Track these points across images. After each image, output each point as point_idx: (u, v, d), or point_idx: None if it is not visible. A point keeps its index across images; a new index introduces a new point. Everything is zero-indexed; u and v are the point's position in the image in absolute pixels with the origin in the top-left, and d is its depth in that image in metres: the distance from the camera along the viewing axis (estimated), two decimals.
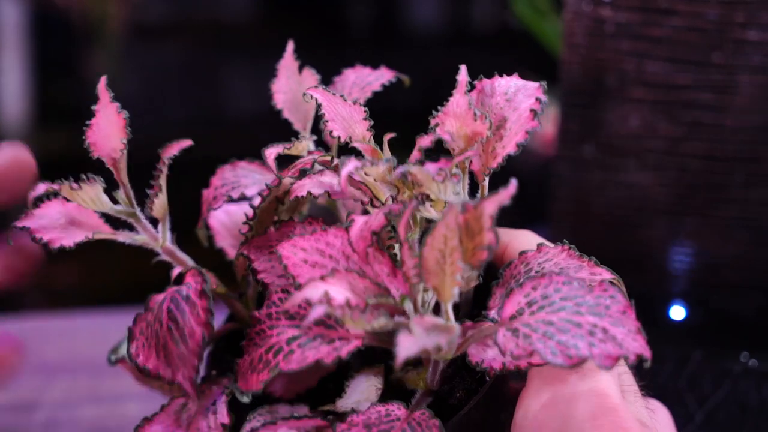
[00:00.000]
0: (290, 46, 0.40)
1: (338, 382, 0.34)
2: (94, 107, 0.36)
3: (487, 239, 0.28)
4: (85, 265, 1.86)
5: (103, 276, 1.82)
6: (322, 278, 0.28)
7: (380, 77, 0.39)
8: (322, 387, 0.35)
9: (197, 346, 0.32)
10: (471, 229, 0.28)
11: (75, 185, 0.35)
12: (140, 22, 2.54)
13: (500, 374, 0.31)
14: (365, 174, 0.32)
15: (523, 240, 0.35)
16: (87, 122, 0.36)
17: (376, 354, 0.33)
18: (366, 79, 0.39)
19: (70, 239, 0.35)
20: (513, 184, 0.28)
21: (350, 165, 0.31)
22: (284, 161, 0.36)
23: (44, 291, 1.78)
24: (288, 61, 0.40)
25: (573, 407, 0.30)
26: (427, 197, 0.32)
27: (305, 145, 0.37)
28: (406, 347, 0.26)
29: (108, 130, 0.36)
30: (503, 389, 0.34)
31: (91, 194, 0.36)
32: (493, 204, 0.27)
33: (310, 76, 0.40)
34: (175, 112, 2.55)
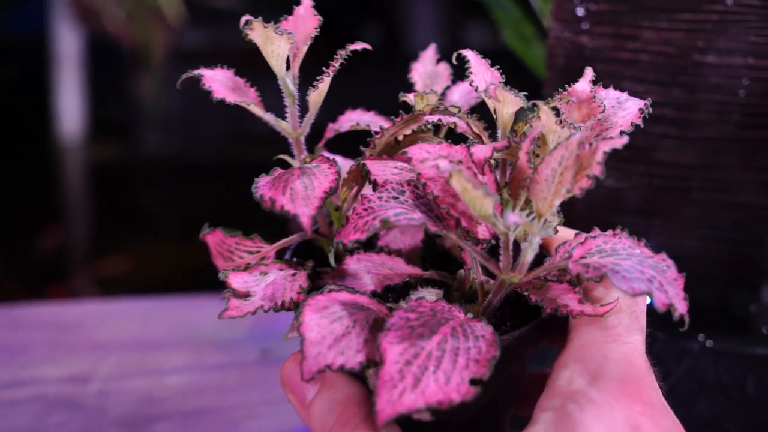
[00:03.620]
0: (432, 48, 0.43)
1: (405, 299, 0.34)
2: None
3: (595, 170, 0.28)
4: (133, 258, 1.86)
5: (147, 268, 1.83)
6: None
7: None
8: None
9: (323, 192, 0.33)
10: (582, 160, 0.29)
11: (272, 28, 0.35)
12: (179, 49, 2.55)
13: (549, 316, 0.31)
14: (500, 96, 0.33)
15: (568, 232, 0.35)
16: (284, 17, 0.37)
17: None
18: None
19: (231, 98, 0.36)
20: (625, 138, 0.29)
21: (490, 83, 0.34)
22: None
23: (98, 280, 1.79)
24: (428, 54, 0.42)
25: (606, 364, 0.29)
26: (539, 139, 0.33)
27: (433, 98, 0.38)
28: (513, 218, 0.28)
29: (302, 25, 0.37)
30: (545, 334, 0.34)
31: (279, 49, 0.36)
32: (607, 144, 0.28)
33: (442, 66, 0.42)
34: (209, 126, 2.55)
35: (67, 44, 2.49)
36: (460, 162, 0.29)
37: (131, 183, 2.35)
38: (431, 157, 0.31)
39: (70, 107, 2.50)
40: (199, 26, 2.59)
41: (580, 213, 0.34)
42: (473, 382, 0.27)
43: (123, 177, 2.36)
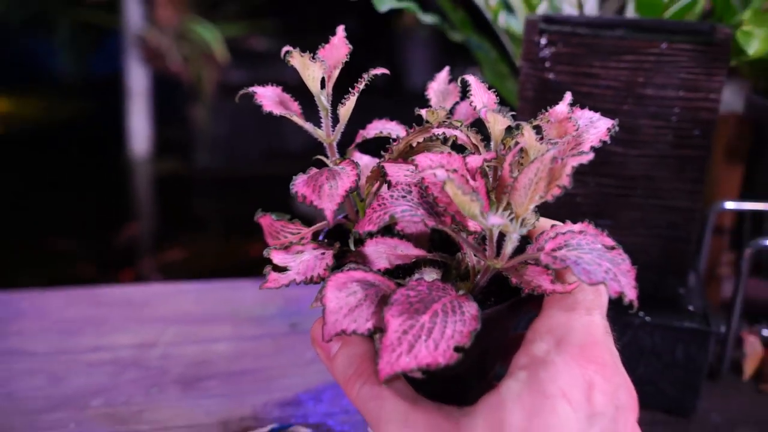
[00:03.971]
0: (446, 70, 0.41)
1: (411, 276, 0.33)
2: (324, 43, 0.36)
3: (564, 181, 0.27)
4: (188, 250, 1.86)
5: (199, 258, 1.83)
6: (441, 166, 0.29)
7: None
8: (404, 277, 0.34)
9: (344, 191, 0.32)
10: (554, 173, 0.28)
11: (309, 56, 0.34)
12: (225, 84, 2.56)
13: (526, 296, 0.30)
14: (491, 117, 0.32)
15: (547, 221, 0.34)
16: (322, 45, 0.36)
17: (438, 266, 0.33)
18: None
19: (278, 111, 0.35)
20: (590, 154, 0.27)
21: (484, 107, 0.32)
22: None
23: (160, 267, 1.79)
24: (443, 75, 0.41)
25: (570, 331, 0.29)
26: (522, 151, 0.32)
27: (442, 113, 0.37)
28: (494, 220, 0.27)
29: (336, 52, 0.36)
30: (524, 307, 0.33)
31: (315, 73, 0.35)
32: (576, 160, 0.27)
33: (453, 86, 0.41)
34: (248, 146, 2.55)
35: (138, 81, 2.50)
36: (455, 171, 0.28)
37: (187, 190, 2.35)
38: (433, 165, 0.31)
39: (139, 130, 2.50)
40: (240, 66, 2.59)
41: (543, 214, 0.33)
42: (457, 349, 0.27)
43: (181, 186, 2.36)
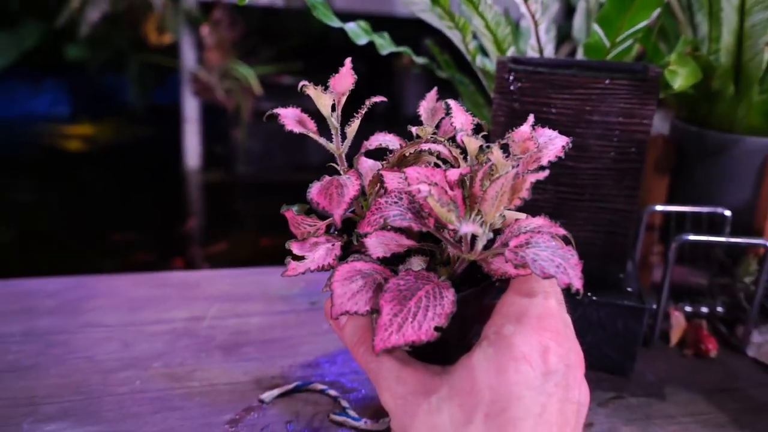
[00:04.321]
0: (434, 90, 0.40)
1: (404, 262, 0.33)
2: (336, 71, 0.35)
3: (524, 194, 0.27)
4: (228, 243, 1.86)
5: (237, 249, 1.82)
6: (424, 181, 0.29)
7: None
8: (397, 264, 0.33)
9: (349, 198, 0.32)
10: (516, 186, 0.27)
11: (321, 88, 0.34)
12: (258, 111, 2.56)
13: (495, 280, 0.30)
14: (466, 140, 0.32)
15: (513, 214, 0.34)
16: (333, 74, 0.35)
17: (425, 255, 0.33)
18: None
19: (297, 128, 0.34)
20: (546, 172, 0.27)
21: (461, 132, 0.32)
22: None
23: (206, 256, 1.79)
24: (432, 94, 0.40)
25: (529, 308, 0.29)
26: (492, 167, 0.31)
27: (429, 130, 0.37)
28: (466, 228, 0.27)
29: (344, 81, 0.35)
30: (493, 289, 0.33)
31: (326, 100, 0.35)
32: (534, 176, 0.27)
33: (439, 104, 0.40)
34: (278, 159, 2.55)
35: (191, 109, 2.49)
36: (435, 184, 0.28)
37: (228, 195, 2.35)
38: (420, 178, 0.30)
39: (192, 148, 2.50)
40: (271, 97, 2.59)
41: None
42: (436, 328, 0.26)
43: (224, 191, 2.36)
